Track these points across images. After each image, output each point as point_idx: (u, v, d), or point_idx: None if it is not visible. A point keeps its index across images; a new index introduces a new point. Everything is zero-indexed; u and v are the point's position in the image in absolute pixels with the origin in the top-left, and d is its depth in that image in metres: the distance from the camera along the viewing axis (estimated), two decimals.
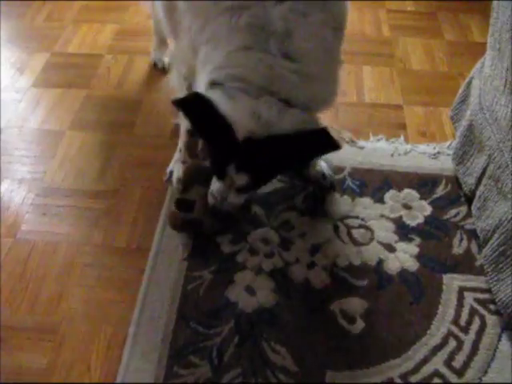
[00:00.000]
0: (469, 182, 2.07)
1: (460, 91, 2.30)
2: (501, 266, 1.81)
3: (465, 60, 2.74)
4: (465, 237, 2.01)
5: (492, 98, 1.96)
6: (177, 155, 2.13)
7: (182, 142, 2.11)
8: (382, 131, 2.39)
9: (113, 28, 2.95)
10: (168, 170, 2.14)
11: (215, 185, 1.72)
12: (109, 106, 2.49)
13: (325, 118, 2.40)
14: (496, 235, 1.83)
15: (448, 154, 2.27)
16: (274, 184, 2.13)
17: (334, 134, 2.26)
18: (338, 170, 2.20)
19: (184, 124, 2.06)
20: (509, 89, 1.83)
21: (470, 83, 2.25)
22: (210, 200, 1.76)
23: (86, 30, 2.96)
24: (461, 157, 2.15)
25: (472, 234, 2.00)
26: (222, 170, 1.64)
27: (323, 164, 2.18)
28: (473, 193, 2.05)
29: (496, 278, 1.82)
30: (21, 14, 3.08)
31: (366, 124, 2.43)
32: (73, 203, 2.11)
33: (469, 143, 2.11)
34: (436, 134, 2.41)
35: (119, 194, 2.13)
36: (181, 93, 1.97)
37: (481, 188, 1.99)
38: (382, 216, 2.06)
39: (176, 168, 2.11)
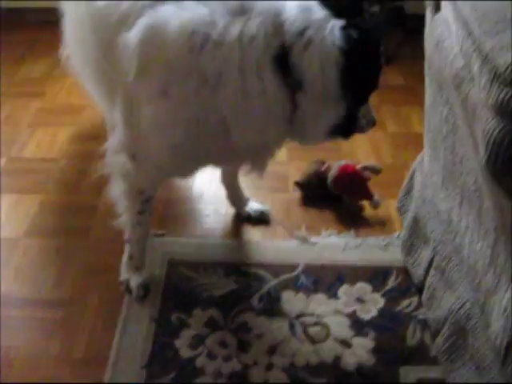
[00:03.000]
0: (418, 272, 2.15)
1: (404, 183, 2.41)
2: (453, 356, 1.86)
3: (408, 151, 2.87)
4: (418, 327, 2.06)
5: (432, 192, 2.07)
6: (128, 263, 2.16)
7: (134, 247, 2.14)
8: (333, 226, 2.47)
9: (68, 131, 3.01)
10: (123, 279, 2.16)
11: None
12: (64, 211, 2.53)
13: (277, 216, 2.52)
14: (446, 326, 1.89)
15: (397, 245, 2.35)
16: (230, 285, 2.18)
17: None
18: (292, 267, 2.26)
19: (137, 232, 2.10)
20: (446, 185, 1.94)
21: (412, 176, 2.36)
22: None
23: (42, 133, 3.01)
24: (409, 248, 2.23)
25: (424, 324, 2.06)
26: None
27: (256, 204, 2.46)
28: (422, 283, 2.12)
29: (450, 368, 1.87)
30: None
31: (317, 219, 2.50)
32: (28, 314, 2.10)
33: (415, 235, 2.20)
34: (385, 225, 2.50)
35: (76, 302, 2.13)
36: (132, 210, 2.03)
37: (429, 279, 2.06)
38: (337, 312, 2.11)
39: (133, 276, 2.14)
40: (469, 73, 1.42)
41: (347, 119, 1.79)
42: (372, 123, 1.92)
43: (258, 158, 1.95)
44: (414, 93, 3.36)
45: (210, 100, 1.69)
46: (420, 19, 2.11)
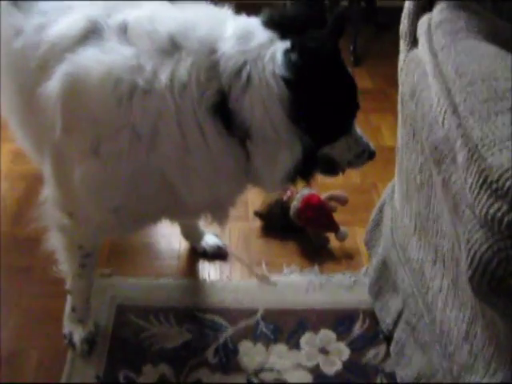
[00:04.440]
0: (386, 320, 2.00)
1: (373, 215, 2.24)
2: None
3: (377, 167, 2.69)
4: (385, 382, 1.93)
5: (404, 236, 1.90)
6: (71, 315, 1.98)
7: (77, 299, 1.96)
8: (296, 260, 2.30)
9: (9, 149, 2.74)
10: (66, 331, 1.97)
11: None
12: (4, 246, 2.31)
13: (236, 248, 2.34)
14: None
15: (364, 283, 2.19)
16: (183, 336, 2.01)
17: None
18: (250, 312, 2.09)
19: (79, 284, 1.91)
20: (418, 234, 1.78)
21: (381, 208, 2.20)
22: None
23: None
24: (377, 292, 2.08)
25: (393, 378, 1.92)
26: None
27: (212, 237, 2.31)
28: (390, 333, 1.98)
29: None
30: None
31: (279, 253, 2.34)
32: None
33: (384, 279, 2.04)
34: (352, 258, 2.34)
35: (14, 359, 1.94)
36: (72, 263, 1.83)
37: (398, 331, 1.92)
38: (299, 365, 1.96)
39: (76, 330, 1.95)
40: (451, 151, 1.24)
41: (308, 161, 1.54)
42: (368, 156, 1.68)
43: (217, 211, 1.75)
44: (384, 97, 3.18)
45: (147, 157, 1.48)
46: (392, 14, 1.87)
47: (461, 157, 1.13)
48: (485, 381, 1.41)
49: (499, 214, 0.99)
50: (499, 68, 1.23)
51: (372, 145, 1.68)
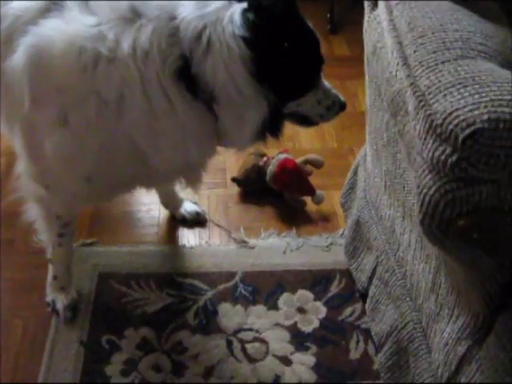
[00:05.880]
0: (361, 278, 2.05)
1: (348, 178, 2.28)
2: (395, 375, 1.78)
3: (354, 132, 2.74)
4: (361, 338, 1.98)
5: (376, 195, 1.95)
6: (53, 283, 2.01)
7: (58, 267, 1.99)
8: (273, 224, 2.34)
9: None
10: (49, 299, 2.01)
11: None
12: None
13: (214, 215, 2.38)
14: (389, 343, 1.81)
15: (340, 244, 2.24)
16: (164, 300, 2.06)
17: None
18: (229, 275, 2.14)
19: (59, 253, 1.94)
20: (388, 192, 1.82)
21: (356, 171, 2.24)
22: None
23: None
24: (352, 252, 2.12)
25: (368, 334, 1.97)
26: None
27: (191, 204, 2.33)
28: (366, 290, 2.02)
29: None
30: None
31: (256, 218, 2.38)
32: None
33: (358, 239, 2.09)
34: (328, 221, 2.38)
35: (1, 325, 1.98)
36: (51, 233, 1.86)
37: (372, 288, 1.97)
38: (277, 324, 2.01)
39: (58, 297, 1.99)
40: (404, 104, 1.28)
41: (275, 117, 1.59)
42: (339, 106, 1.70)
43: (190, 175, 1.79)
44: (361, 64, 3.15)
45: (115, 125, 1.52)
46: None
47: (410, 105, 1.17)
48: (449, 327, 1.46)
49: (443, 157, 1.03)
50: (449, 21, 1.27)
51: (342, 96, 1.71)
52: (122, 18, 1.48)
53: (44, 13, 1.54)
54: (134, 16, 1.48)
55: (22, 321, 2.01)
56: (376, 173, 1.93)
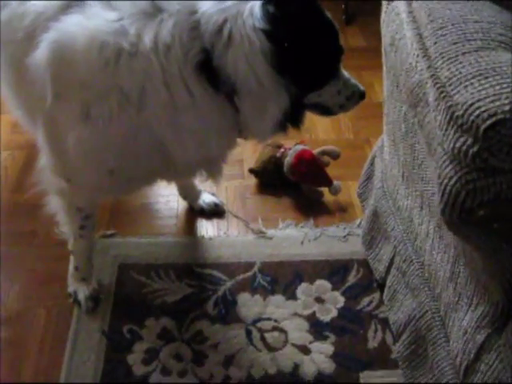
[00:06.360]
0: (379, 268, 2.06)
1: (365, 169, 2.30)
2: (413, 363, 1.80)
3: (370, 123, 2.75)
4: (379, 327, 2.00)
5: (393, 185, 1.96)
6: (75, 274, 2.04)
7: (79, 259, 2.02)
8: (291, 215, 2.36)
9: (9, 119, 2.79)
10: (70, 290, 2.05)
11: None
12: (7, 213, 2.37)
13: (233, 206, 2.40)
14: (407, 332, 1.82)
15: (358, 235, 2.26)
16: (184, 290, 2.08)
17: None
18: (248, 266, 2.16)
19: (80, 244, 1.98)
20: (406, 182, 1.83)
21: (373, 161, 2.25)
22: None
23: None
24: (369, 242, 2.14)
25: (386, 324, 1.99)
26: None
27: (209, 196, 2.35)
28: (383, 280, 2.04)
29: (411, 375, 1.81)
30: None
31: (274, 209, 2.40)
32: None
33: (376, 229, 2.10)
34: (346, 211, 2.40)
35: (22, 318, 2.01)
36: (73, 225, 1.89)
37: (390, 278, 1.98)
38: (295, 314, 2.03)
39: (80, 288, 2.02)
40: (424, 95, 1.29)
41: (296, 108, 1.60)
42: (359, 96, 1.72)
43: (211, 167, 1.81)
44: (377, 55, 3.13)
45: (137, 118, 1.53)
46: None
47: (431, 97, 1.18)
48: (467, 316, 1.48)
49: (465, 147, 1.05)
50: (469, 12, 1.27)
51: (361, 85, 1.73)
52: (143, 12, 1.50)
53: (65, 9, 1.56)
54: (155, 11, 1.50)
55: (44, 310, 2.04)
56: (393, 163, 1.94)
